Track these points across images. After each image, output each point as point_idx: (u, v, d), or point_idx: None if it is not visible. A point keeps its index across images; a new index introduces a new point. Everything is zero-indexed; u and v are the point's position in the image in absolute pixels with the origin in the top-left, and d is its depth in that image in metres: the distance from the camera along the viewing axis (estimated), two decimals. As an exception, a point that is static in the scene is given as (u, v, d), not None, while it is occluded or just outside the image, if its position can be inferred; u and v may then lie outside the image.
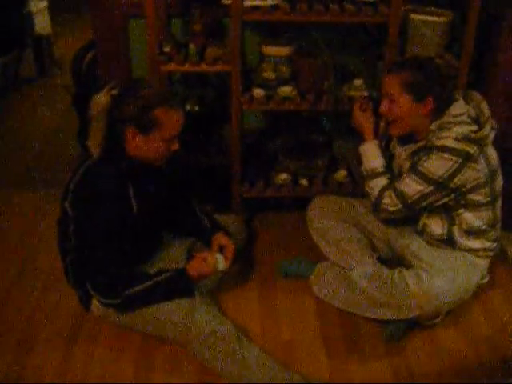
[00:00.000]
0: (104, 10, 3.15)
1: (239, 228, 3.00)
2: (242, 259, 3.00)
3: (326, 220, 2.86)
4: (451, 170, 2.33)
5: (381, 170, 2.58)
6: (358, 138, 2.76)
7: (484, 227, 2.51)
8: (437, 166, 2.35)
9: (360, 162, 2.70)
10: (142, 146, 2.30)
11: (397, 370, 2.44)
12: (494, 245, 2.58)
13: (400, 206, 2.46)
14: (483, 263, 2.58)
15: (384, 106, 2.49)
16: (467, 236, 2.52)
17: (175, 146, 2.36)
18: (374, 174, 2.58)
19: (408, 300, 2.45)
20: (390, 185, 2.52)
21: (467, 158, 2.32)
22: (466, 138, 2.33)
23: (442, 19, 2.92)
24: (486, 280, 2.64)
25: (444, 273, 2.48)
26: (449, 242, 2.54)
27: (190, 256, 2.71)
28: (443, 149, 2.34)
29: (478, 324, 2.68)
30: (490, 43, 3.04)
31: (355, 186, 3.22)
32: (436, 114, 2.42)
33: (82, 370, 2.40)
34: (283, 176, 3.23)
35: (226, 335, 2.29)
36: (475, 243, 2.53)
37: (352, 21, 2.83)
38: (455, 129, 2.35)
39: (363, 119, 2.68)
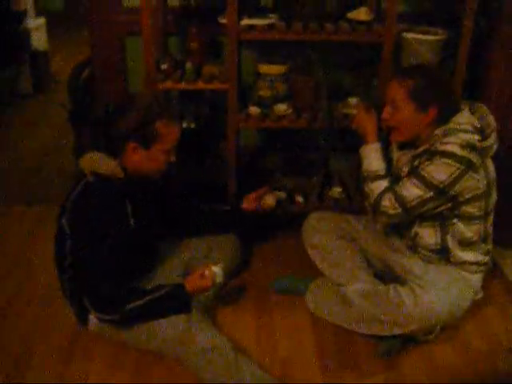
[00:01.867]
0: (101, 27, 3.18)
1: (235, 245, 3.01)
2: (238, 275, 3.02)
3: (322, 236, 2.86)
4: (453, 177, 2.31)
5: (382, 172, 2.55)
6: (354, 154, 2.77)
7: (475, 238, 2.52)
8: (438, 170, 2.33)
9: (360, 164, 2.67)
10: (143, 159, 2.31)
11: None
12: (487, 258, 2.59)
13: (399, 209, 2.43)
14: (477, 279, 2.58)
15: (386, 113, 2.48)
16: (460, 247, 2.52)
17: (173, 158, 2.38)
18: (375, 177, 2.55)
19: (403, 315, 2.45)
20: (390, 188, 2.49)
21: (469, 167, 2.31)
22: (470, 146, 2.32)
23: (435, 38, 2.96)
24: (480, 296, 2.65)
25: (438, 288, 2.49)
26: (443, 252, 2.54)
27: (187, 272, 2.73)
28: (446, 154, 2.32)
29: (473, 339, 2.69)
30: (482, 60, 3.08)
31: (351, 203, 3.24)
32: (439, 123, 2.41)
33: (78, 386, 2.41)
34: (279, 193, 3.24)
35: (222, 351, 2.30)
36: (468, 255, 2.53)
37: (347, 40, 2.86)
38: (460, 135, 2.34)
39: (367, 121, 2.65)
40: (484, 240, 2.57)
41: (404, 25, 3.03)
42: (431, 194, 2.36)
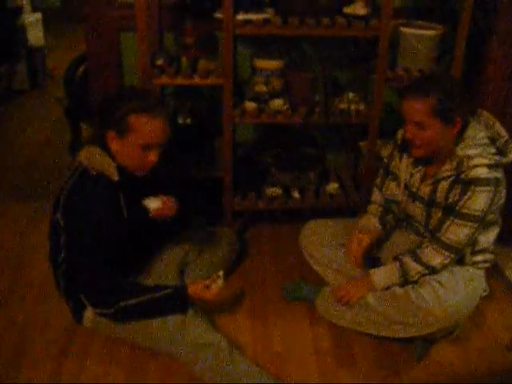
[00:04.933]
0: (96, 23, 3.16)
1: (231, 240, 3.00)
2: (233, 271, 3.01)
3: (321, 248, 2.82)
4: (489, 201, 2.32)
5: (399, 280, 2.50)
6: (350, 150, 2.75)
7: (488, 245, 2.54)
8: (477, 201, 2.31)
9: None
10: (119, 150, 2.31)
11: (388, 381, 2.43)
12: (493, 256, 2.60)
13: (453, 255, 2.42)
14: (482, 274, 2.57)
15: (411, 134, 2.38)
16: (475, 254, 2.53)
17: (152, 157, 2.32)
18: (403, 274, 2.49)
19: (426, 316, 2.38)
20: (420, 248, 2.48)
21: (497, 184, 2.32)
22: (496, 165, 2.32)
23: (432, 33, 2.95)
24: (487, 292, 2.62)
25: (457, 286, 2.43)
26: (458, 261, 2.52)
27: (182, 267, 2.79)
28: (479, 182, 2.29)
29: (471, 337, 2.68)
30: (479, 56, 3.06)
31: (347, 198, 3.24)
32: (459, 133, 2.38)
33: (73, 382, 2.39)
34: (275, 188, 3.24)
35: (217, 348, 2.29)
36: (478, 257, 2.54)
37: (343, 35, 2.85)
38: (484, 154, 2.31)
39: (356, 292, 2.58)
40: (494, 242, 2.58)
41: (401, 20, 3.02)
42: (477, 225, 2.37)
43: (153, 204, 2.41)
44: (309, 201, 3.23)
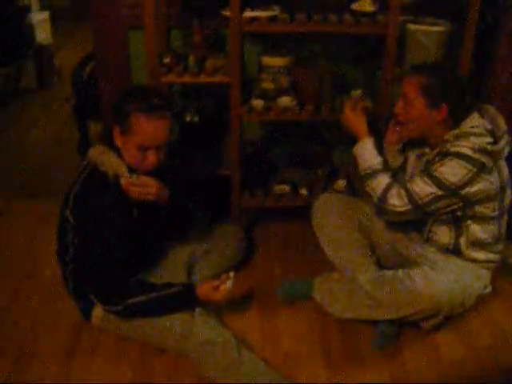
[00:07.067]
0: (104, 21, 3.16)
1: (239, 238, 3.00)
2: (241, 269, 3.01)
3: (329, 216, 2.83)
4: (465, 179, 2.31)
5: (380, 167, 2.53)
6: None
7: (489, 240, 2.51)
8: (451, 172, 2.32)
9: (356, 165, 2.65)
10: (122, 148, 2.34)
11: (396, 379, 2.43)
12: (497, 257, 2.58)
13: (409, 206, 2.40)
14: (486, 274, 2.57)
15: (399, 108, 2.49)
16: (473, 247, 2.51)
17: (150, 158, 2.32)
18: (374, 172, 2.52)
19: (413, 294, 2.39)
20: (395, 183, 2.47)
21: (481, 169, 2.31)
22: (481, 149, 2.32)
23: (439, 29, 2.93)
24: (488, 290, 2.62)
25: (449, 272, 2.44)
26: (454, 251, 2.52)
27: (191, 260, 2.78)
28: (458, 156, 2.32)
29: (479, 333, 2.68)
30: (487, 53, 3.05)
31: (354, 195, 3.23)
32: (451, 124, 2.41)
33: (81, 381, 2.39)
34: (283, 186, 3.23)
35: (225, 344, 2.30)
36: (480, 254, 2.53)
37: (351, 32, 2.85)
38: (472, 139, 2.34)
39: (354, 119, 2.66)
40: (497, 240, 2.56)
41: (408, 16, 3.01)
42: (443, 193, 2.36)
43: (125, 179, 2.35)
44: (317, 198, 3.22)
